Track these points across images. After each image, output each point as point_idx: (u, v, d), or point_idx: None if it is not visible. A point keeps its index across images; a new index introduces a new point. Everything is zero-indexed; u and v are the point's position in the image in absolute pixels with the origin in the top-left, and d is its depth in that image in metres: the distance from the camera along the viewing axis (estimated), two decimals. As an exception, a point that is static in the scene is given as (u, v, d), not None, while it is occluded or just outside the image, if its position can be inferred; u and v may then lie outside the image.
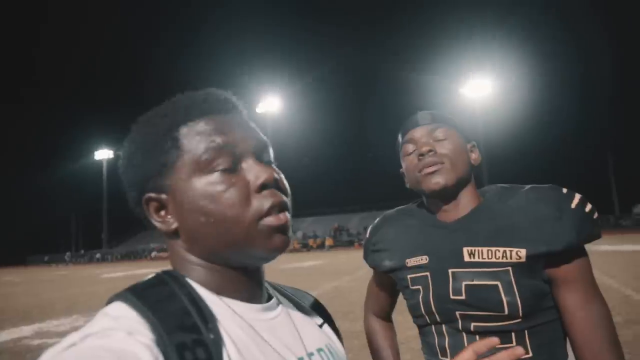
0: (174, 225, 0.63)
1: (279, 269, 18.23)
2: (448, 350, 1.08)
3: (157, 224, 0.64)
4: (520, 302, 1.00)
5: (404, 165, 1.20)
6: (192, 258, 0.63)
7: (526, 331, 1.02)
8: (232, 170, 0.61)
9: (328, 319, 0.79)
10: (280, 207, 0.61)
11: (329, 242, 46.00)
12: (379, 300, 1.39)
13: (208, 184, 0.60)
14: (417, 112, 1.21)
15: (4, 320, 8.85)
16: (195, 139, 0.62)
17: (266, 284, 0.71)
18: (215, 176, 0.60)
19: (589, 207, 1.02)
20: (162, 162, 0.62)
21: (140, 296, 0.55)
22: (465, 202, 1.13)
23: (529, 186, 1.10)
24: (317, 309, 0.79)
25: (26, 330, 7.59)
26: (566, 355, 1.05)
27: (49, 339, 6.65)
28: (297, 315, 0.71)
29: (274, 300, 0.68)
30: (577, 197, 1.03)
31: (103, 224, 66.81)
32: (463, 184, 1.13)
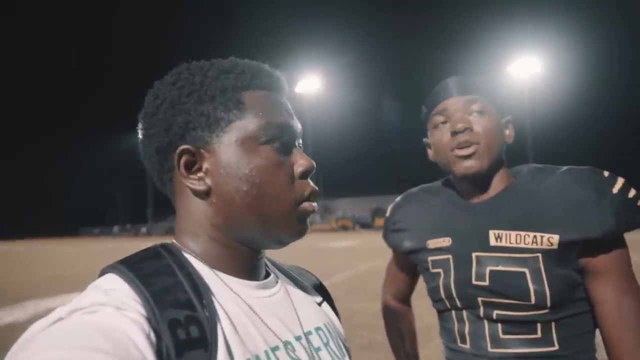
0: (205, 186, 0.59)
1: (315, 249, 18.42)
2: (468, 338, 1.02)
3: (185, 180, 0.60)
4: (549, 292, 0.92)
5: (432, 138, 1.09)
6: (207, 226, 0.61)
7: (553, 323, 0.94)
8: (285, 151, 0.62)
9: (328, 298, 0.78)
10: (315, 196, 0.64)
11: (380, 222, 45.90)
12: (398, 283, 1.33)
13: (260, 155, 0.59)
14: (450, 78, 1.07)
15: (56, 287, 9.46)
16: (259, 109, 0.61)
17: (266, 261, 0.70)
18: (270, 151, 0.60)
19: (632, 192, 0.93)
20: (218, 117, 0.60)
21: (134, 269, 0.53)
22: (495, 182, 1.05)
23: (565, 167, 1.00)
24: (317, 287, 0.78)
25: (77, 296, 8.07)
26: (594, 350, 0.98)
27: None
28: (296, 293, 0.70)
29: (272, 278, 0.67)
30: (620, 181, 0.94)
31: (148, 200, 69.51)
32: (497, 166, 1.04)
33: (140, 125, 0.64)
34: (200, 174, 0.60)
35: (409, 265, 1.25)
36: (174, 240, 0.63)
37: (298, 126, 0.65)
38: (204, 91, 0.60)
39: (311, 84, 57.05)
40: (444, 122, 1.05)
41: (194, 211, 0.61)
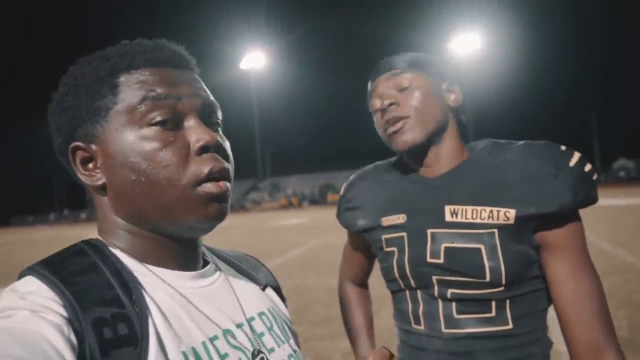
0: (101, 181, 0.57)
1: (265, 228, 18.40)
2: (422, 319, 1.00)
3: (82, 177, 0.58)
4: (505, 269, 0.91)
5: (374, 120, 1.07)
6: (119, 221, 0.58)
7: (508, 300, 0.93)
8: (172, 127, 0.55)
9: (272, 282, 0.76)
10: (220, 174, 0.56)
11: (333, 198, 46.07)
12: (354, 265, 1.28)
13: (142, 138, 0.54)
14: (382, 59, 1.06)
15: (-9, 280, 8.85)
16: (134, 86, 0.56)
17: (204, 250, 0.68)
18: (152, 130, 0.55)
19: (588, 166, 0.92)
20: (96, 107, 0.56)
21: (55, 269, 0.50)
22: (448, 155, 1.02)
23: (522, 142, 0.98)
24: (260, 272, 0.76)
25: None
26: (547, 328, 0.99)
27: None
28: (237, 280, 0.68)
29: (210, 267, 0.64)
30: (576, 155, 0.93)
31: (87, 184, 65.93)
32: (438, 133, 1.01)
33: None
34: (97, 170, 0.58)
35: (364, 245, 1.20)
36: (98, 237, 0.60)
37: (198, 98, 0.58)
38: (81, 84, 0.57)
39: (257, 60, 55.83)
40: (379, 104, 1.03)
41: (103, 207, 0.59)
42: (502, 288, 0.93)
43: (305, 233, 14.87)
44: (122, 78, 0.56)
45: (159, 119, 0.54)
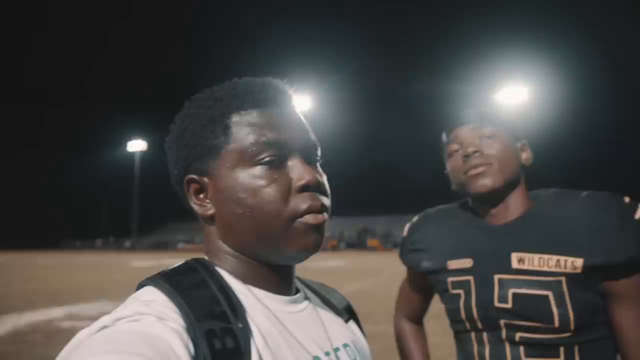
0: (211, 211, 0.62)
1: (301, 268, 18.26)
2: None
3: (195, 207, 0.64)
4: (573, 315, 0.93)
5: (448, 166, 1.13)
6: (224, 247, 0.63)
7: (576, 346, 0.94)
8: (277, 166, 0.60)
9: (353, 316, 0.79)
10: (318, 211, 0.60)
11: (373, 243, 45.48)
12: (412, 303, 1.32)
13: (250, 176, 0.59)
14: (463, 109, 1.13)
15: (36, 301, 9.21)
16: (245, 129, 0.61)
17: (295, 278, 0.71)
18: (259, 169, 0.60)
19: None
20: (210, 146, 0.62)
21: (172, 282, 0.55)
22: (515, 205, 1.06)
23: (586, 192, 1.02)
24: (343, 305, 0.78)
25: (57, 312, 7.88)
26: None
27: (78, 322, 6.87)
28: (323, 310, 0.71)
29: (301, 294, 0.68)
30: None
31: (133, 214, 68.64)
32: (512, 186, 1.06)
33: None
34: (207, 201, 0.63)
35: (424, 285, 1.25)
36: (205, 257, 0.65)
37: (302, 139, 0.63)
38: (197, 123, 0.63)
39: (302, 102, 57.51)
40: (457, 150, 1.09)
41: (211, 234, 0.65)
42: (570, 333, 0.94)
43: (341, 277, 14.67)
44: (233, 119, 0.62)
45: (267, 159, 0.60)
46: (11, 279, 14.55)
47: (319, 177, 0.62)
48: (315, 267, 19.53)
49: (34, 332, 6.11)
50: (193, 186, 0.64)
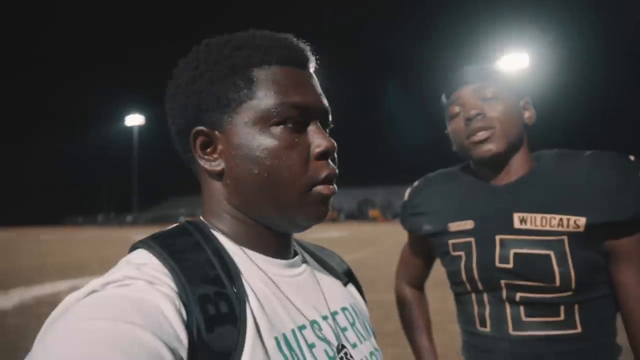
0: (220, 167, 0.59)
1: (302, 238, 18.43)
2: (488, 321, 1.02)
3: (201, 161, 0.60)
4: (574, 274, 0.93)
5: (449, 127, 1.11)
6: (227, 206, 0.61)
7: (576, 305, 0.95)
8: (298, 130, 0.58)
9: (353, 279, 0.78)
10: (331, 181, 0.60)
11: (374, 213, 45.66)
12: (413, 268, 1.31)
13: (272, 136, 0.57)
14: (463, 68, 1.09)
15: (42, 275, 9.34)
16: (271, 87, 0.58)
17: (293, 241, 0.69)
18: (281, 130, 0.57)
19: None
20: (229, 98, 0.58)
21: (164, 245, 0.53)
22: (518, 165, 1.05)
23: (590, 151, 0.99)
24: (342, 268, 0.77)
25: (63, 285, 8.00)
26: (616, 333, 0.99)
27: (84, 295, 7.00)
28: (322, 273, 0.70)
29: (298, 257, 0.66)
30: None
31: (134, 188, 68.80)
32: (516, 147, 1.04)
33: (166, 104, 0.64)
34: (215, 155, 0.59)
35: (425, 250, 1.24)
36: (201, 218, 0.63)
37: (320, 104, 0.61)
38: (216, 71, 0.59)
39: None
40: (459, 112, 1.07)
41: (214, 191, 0.61)
42: (571, 292, 0.94)
43: (343, 247, 14.74)
44: (258, 73, 0.58)
45: (289, 123, 0.57)
46: (17, 255, 14.72)
47: (335, 144, 0.60)
48: (315, 237, 19.70)
49: (40, 305, 6.24)
50: (200, 139, 0.59)
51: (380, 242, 14.97)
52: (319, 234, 22.29)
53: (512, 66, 46.69)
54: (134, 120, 73.19)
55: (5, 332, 4.74)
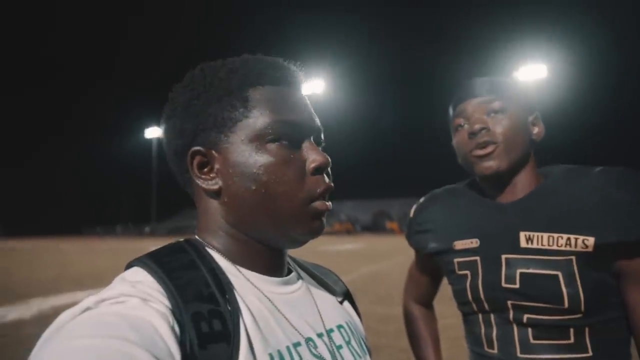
0: (217, 186, 0.61)
1: (317, 251, 18.41)
2: (495, 342, 0.99)
3: (198, 181, 0.61)
4: (583, 296, 0.89)
5: (454, 140, 1.09)
6: (223, 224, 0.62)
7: (587, 328, 0.91)
8: (293, 146, 0.60)
9: (348, 296, 0.77)
10: (328, 194, 0.62)
11: (392, 225, 45.48)
12: (420, 285, 1.29)
13: (268, 153, 0.58)
14: (471, 79, 1.06)
15: (61, 285, 9.48)
16: (266, 106, 0.60)
17: (288, 259, 0.70)
18: (276, 148, 0.59)
19: None
20: (225, 117, 0.60)
21: (160, 262, 0.54)
22: (524, 182, 1.02)
23: (599, 168, 0.96)
24: (338, 285, 0.77)
25: (81, 295, 8.09)
26: (629, 358, 0.95)
27: (101, 306, 7.07)
28: (317, 291, 0.70)
29: (293, 275, 0.67)
30: None
31: (152, 200, 69.65)
32: (520, 164, 1.01)
33: (162, 128, 0.66)
34: (212, 174, 0.61)
35: (432, 267, 1.22)
36: (196, 237, 0.64)
37: (313, 122, 0.63)
38: (212, 92, 0.61)
39: (315, 86, 57.11)
40: (463, 125, 1.05)
41: (210, 210, 0.63)
42: (580, 315, 0.90)
43: (357, 259, 14.73)
44: (253, 93, 0.61)
45: (285, 139, 0.59)
46: (36, 265, 14.98)
47: (329, 159, 0.62)
48: (332, 250, 19.64)
49: (59, 315, 6.31)
50: (197, 159, 0.61)
51: (397, 255, 14.88)
52: (335, 247, 22.19)
53: (530, 77, 46.26)
54: (153, 132, 74.51)
55: (20, 341, 4.79)
